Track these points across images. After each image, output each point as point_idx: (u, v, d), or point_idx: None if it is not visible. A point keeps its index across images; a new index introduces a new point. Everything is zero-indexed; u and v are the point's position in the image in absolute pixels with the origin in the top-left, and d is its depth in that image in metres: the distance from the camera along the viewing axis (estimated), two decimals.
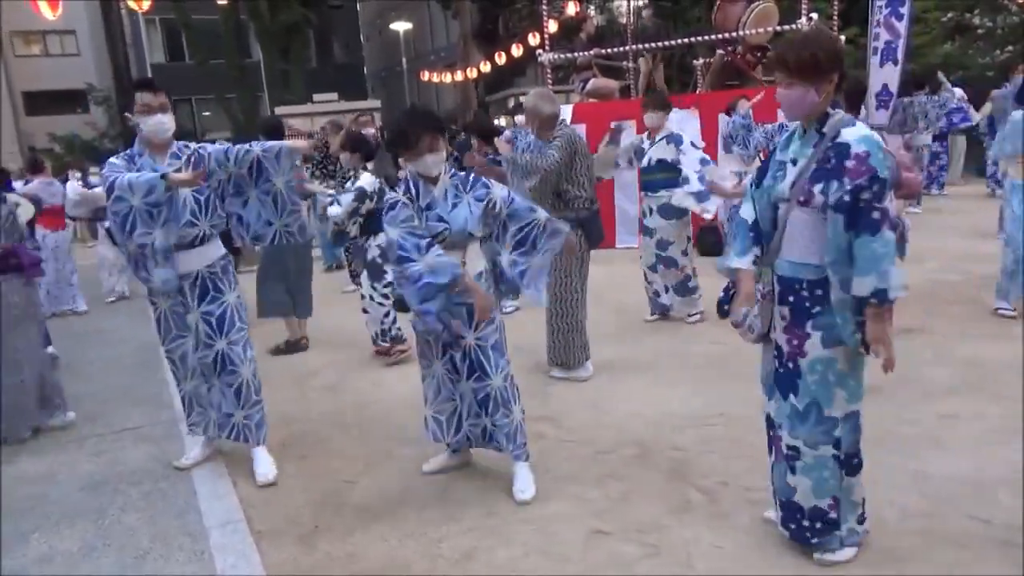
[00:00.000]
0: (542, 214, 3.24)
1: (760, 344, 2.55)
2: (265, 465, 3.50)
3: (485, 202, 3.11)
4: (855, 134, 2.24)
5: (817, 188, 2.25)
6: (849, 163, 2.20)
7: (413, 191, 3.07)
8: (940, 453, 3.22)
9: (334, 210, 4.91)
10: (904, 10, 9.16)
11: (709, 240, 7.94)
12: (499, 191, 3.19)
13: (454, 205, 3.07)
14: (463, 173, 3.23)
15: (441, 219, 3.03)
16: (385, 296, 5.11)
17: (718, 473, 3.19)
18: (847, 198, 2.18)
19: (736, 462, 3.26)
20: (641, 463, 3.37)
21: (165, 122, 3.37)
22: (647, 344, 5.15)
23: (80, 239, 12.78)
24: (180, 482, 3.55)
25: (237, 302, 3.57)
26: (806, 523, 2.47)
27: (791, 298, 2.37)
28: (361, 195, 4.90)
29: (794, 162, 2.36)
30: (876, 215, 2.17)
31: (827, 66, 2.25)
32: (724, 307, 2.63)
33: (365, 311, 5.17)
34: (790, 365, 2.41)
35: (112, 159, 3.41)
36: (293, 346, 5.71)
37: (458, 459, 3.43)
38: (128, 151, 3.44)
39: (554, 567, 2.62)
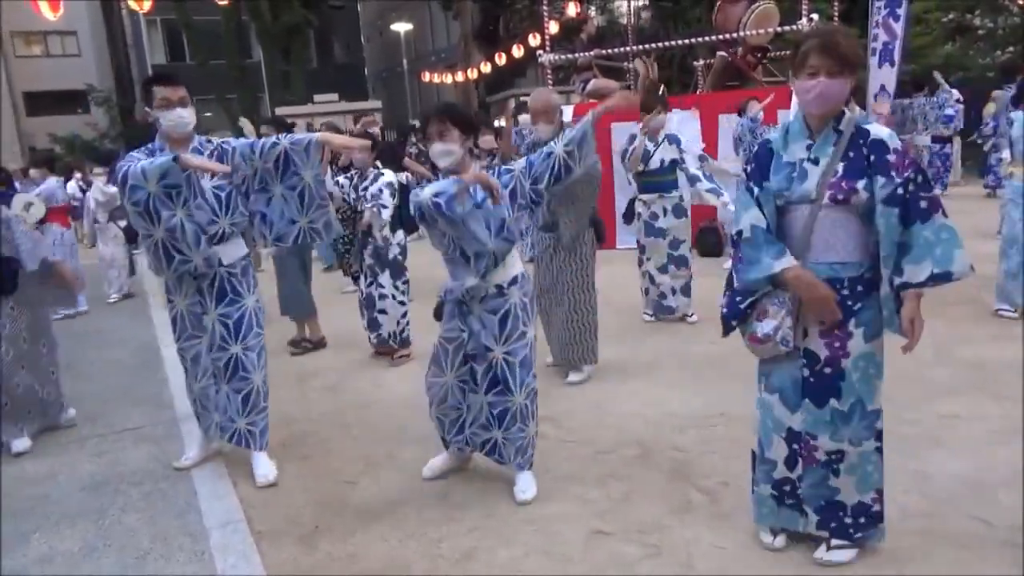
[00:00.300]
0: (558, 147, 3.04)
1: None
2: (265, 466, 3.49)
3: (511, 187, 2.99)
4: (884, 130, 2.28)
5: (860, 185, 2.24)
6: (891, 157, 2.22)
7: None
8: (941, 453, 3.22)
9: (386, 213, 4.97)
10: (901, 11, 9.20)
11: (709, 240, 7.95)
12: (519, 164, 3.08)
13: (483, 199, 2.90)
14: (491, 169, 3.12)
15: None
16: (404, 294, 5.20)
17: (719, 473, 3.19)
18: (900, 191, 2.19)
19: (737, 462, 3.25)
20: (642, 463, 3.37)
21: (185, 116, 3.28)
22: (647, 344, 5.15)
23: (79, 239, 12.79)
24: (180, 482, 3.55)
25: (256, 306, 3.47)
26: (848, 520, 2.45)
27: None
28: (393, 189, 5.04)
29: (815, 161, 2.30)
30: (925, 204, 2.19)
31: (859, 60, 2.26)
32: (732, 323, 2.47)
33: (384, 311, 5.17)
34: (828, 370, 2.36)
35: (132, 152, 3.32)
36: (319, 344, 5.78)
37: (458, 459, 3.37)
38: (148, 146, 3.34)
39: (555, 567, 2.62)
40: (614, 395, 4.23)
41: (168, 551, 2.94)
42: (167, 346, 6.24)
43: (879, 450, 2.43)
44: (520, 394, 3.03)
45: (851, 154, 2.27)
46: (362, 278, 5.31)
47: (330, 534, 2.97)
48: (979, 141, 10.75)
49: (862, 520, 2.45)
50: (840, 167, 2.27)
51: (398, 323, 5.20)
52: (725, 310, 2.49)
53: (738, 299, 2.45)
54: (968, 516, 2.72)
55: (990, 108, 10.48)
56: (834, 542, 2.47)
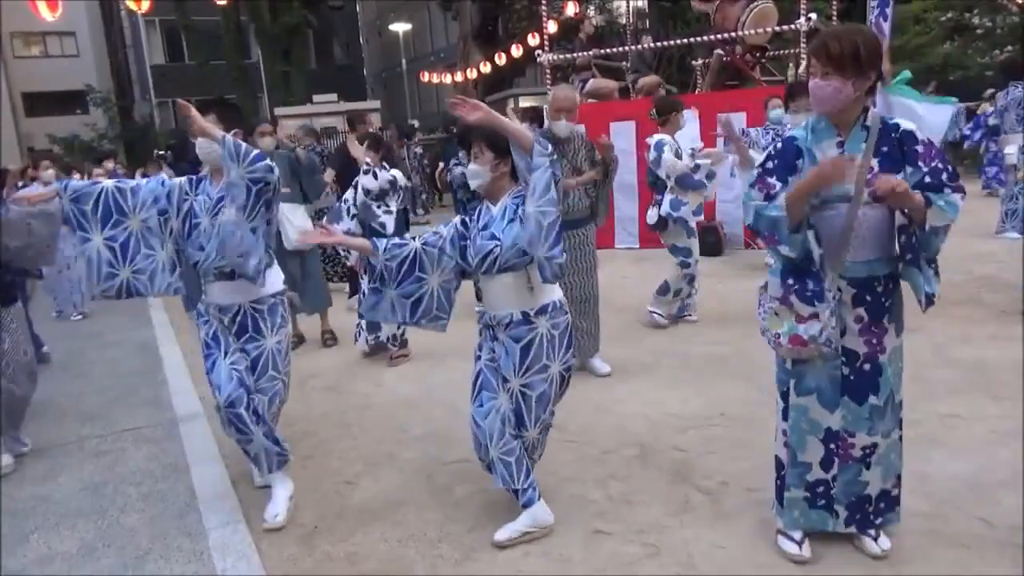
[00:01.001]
0: (531, 207, 2.64)
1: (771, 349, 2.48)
2: None
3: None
4: (907, 123, 2.33)
5: (900, 178, 2.26)
6: (919, 148, 2.27)
7: (476, 213, 2.84)
8: (941, 453, 3.21)
9: (367, 180, 5.08)
10: (889, 11, 9.29)
11: (709, 240, 7.96)
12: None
13: (509, 221, 2.74)
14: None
15: (494, 236, 2.74)
16: None
17: (719, 473, 3.19)
18: (928, 179, 2.24)
19: (737, 462, 3.26)
20: (642, 464, 3.36)
21: (204, 146, 3.03)
22: (647, 344, 5.15)
23: None
24: (180, 483, 3.54)
25: (276, 347, 3.17)
26: (870, 508, 2.50)
27: (868, 298, 2.35)
28: (394, 183, 5.14)
29: (851, 158, 2.29)
30: (949, 191, 2.24)
31: (868, 63, 2.22)
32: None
33: None
34: (867, 367, 2.39)
35: (182, 179, 3.14)
36: (333, 337, 5.88)
37: (533, 520, 2.81)
38: (199, 175, 3.16)
39: (555, 568, 2.62)
40: (614, 395, 4.23)
41: (167, 551, 2.94)
42: (166, 347, 6.26)
43: (901, 438, 2.51)
44: (533, 430, 2.84)
45: (885, 148, 2.29)
46: (366, 278, 5.27)
47: (330, 534, 2.96)
48: (969, 141, 10.69)
49: (882, 505, 2.51)
50: (875, 163, 2.29)
51: (399, 325, 5.19)
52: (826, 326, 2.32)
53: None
54: (969, 516, 2.71)
55: (985, 108, 10.47)
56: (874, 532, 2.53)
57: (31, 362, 4.12)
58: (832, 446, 2.46)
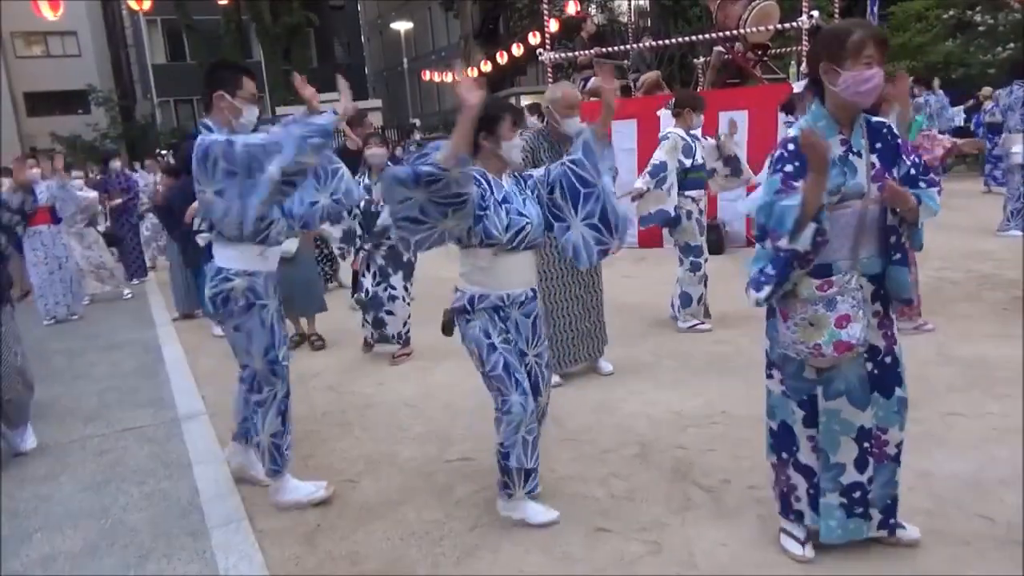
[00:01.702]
0: (565, 161, 2.87)
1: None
2: None
3: (537, 194, 2.87)
4: (883, 120, 2.41)
5: (895, 172, 2.31)
6: (899, 142, 2.36)
7: (485, 184, 2.73)
8: (942, 451, 3.21)
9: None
10: (876, 9, 9.44)
11: (710, 238, 7.93)
12: (538, 172, 2.93)
13: (524, 201, 2.80)
14: (517, 176, 2.91)
15: (521, 214, 2.75)
16: (410, 294, 5.29)
17: (720, 472, 3.19)
18: (912, 171, 2.33)
19: (738, 461, 3.26)
20: (643, 462, 3.37)
21: (249, 116, 3.12)
22: (648, 344, 5.15)
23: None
24: (183, 482, 3.55)
25: (278, 308, 3.22)
26: (896, 508, 2.50)
27: (882, 292, 2.37)
28: None
29: (859, 154, 2.29)
30: (924, 184, 2.33)
31: None
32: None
33: (392, 312, 5.20)
34: (888, 359, 2.40)
35: (209, 137, 2.93)
36: (320, 340, 5.91)
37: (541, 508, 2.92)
38: (211, 134, 2.97)
39: (556, 566, 2.63)
40: (615, 395, 4.23)
41: (170, 550, 2.95)
42: (168, 346, 6.27)
43: None
44: (545, 395, 3.02)
45: (879, 145, 2.32)
46: (369, 277, 5.31)
47: (332, 533, 2.97)
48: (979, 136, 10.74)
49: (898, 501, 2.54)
50: (875, 159, 2.30)
51: (404, 323, 5.24)
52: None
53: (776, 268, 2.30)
54: (969, 513, 2.71)
55: (986, 106, 10.50)
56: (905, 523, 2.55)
57: (24, 365, 4.04)
58: (866, 444, 2.41)
